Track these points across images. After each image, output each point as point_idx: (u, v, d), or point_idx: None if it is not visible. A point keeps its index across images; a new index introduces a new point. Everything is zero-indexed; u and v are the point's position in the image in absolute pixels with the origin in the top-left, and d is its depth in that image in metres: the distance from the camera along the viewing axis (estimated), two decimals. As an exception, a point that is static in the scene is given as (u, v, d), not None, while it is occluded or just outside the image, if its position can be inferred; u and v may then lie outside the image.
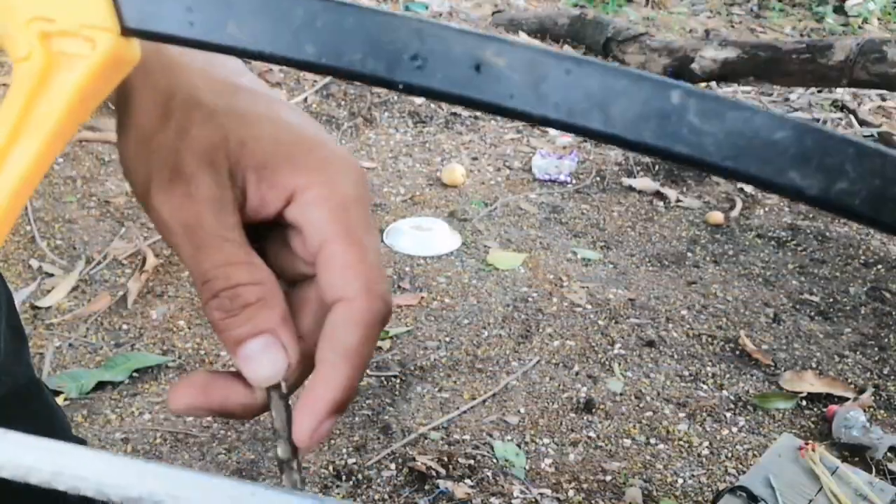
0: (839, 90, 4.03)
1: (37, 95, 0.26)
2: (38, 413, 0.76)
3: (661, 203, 2.77)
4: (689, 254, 2.45)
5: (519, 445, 1.60)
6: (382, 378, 1.77)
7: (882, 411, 1.79)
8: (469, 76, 0.23)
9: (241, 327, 0.31)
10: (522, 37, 4.38)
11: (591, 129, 0.22)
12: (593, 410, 1.71)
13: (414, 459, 1.51)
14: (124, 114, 0.33)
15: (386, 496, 1.45)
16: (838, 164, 0.21)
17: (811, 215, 2.79)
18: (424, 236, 2.33)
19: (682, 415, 1.73)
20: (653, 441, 1.65)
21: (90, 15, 0.25)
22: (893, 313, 2.19)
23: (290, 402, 0.33)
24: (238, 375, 0.33)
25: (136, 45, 0.26)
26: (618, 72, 0.22)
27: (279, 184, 0.32)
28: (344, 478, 1.48)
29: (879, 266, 2.45)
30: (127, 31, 0.25)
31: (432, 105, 3.37)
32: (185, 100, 0.32)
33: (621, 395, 1.78)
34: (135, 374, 1.71)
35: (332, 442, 1.57)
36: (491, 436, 1.61)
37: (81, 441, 0.98)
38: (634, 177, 2.94)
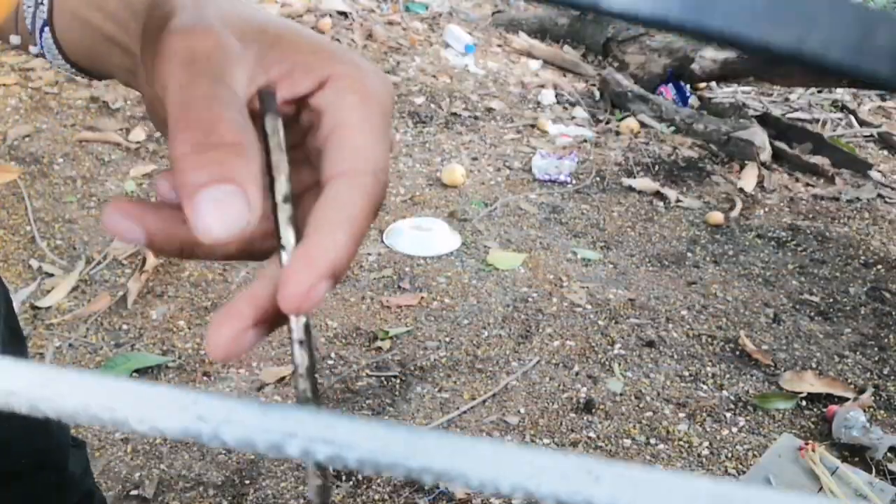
0: (839, 90, 4.03)
1: None
2: (32, 416, 0.76)
3: (661, 203, 2.77)
4: (689, 254, 2.45)
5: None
6: (382, 378, 1.77)
7: (882, 411, 1.79)
8: None
9: (205, 167, 0.26)
10: (523, 37, 4.38)
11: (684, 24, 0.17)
12: (593, 410, 1.71)
13: (414, 459, 1.51)
14: (160, 27, 0.31)
15: (386, 496, 1.45)
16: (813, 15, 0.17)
17: (811, 215, 2.79)
18: (424, 236, 2.33)
19: (682, 415, 1.73)
20: (653, 441, 1.65)
21: None
22: (893, 313, 2.19)
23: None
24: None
25: None
26: None
27: (314, 69, 0.32)
28: (344, 477, 1.48)
29: (879, 266, 2.45)
30: None
31: (432, 105, 3.37)
32: (226, 5, 0.32)
33: (621, 395, 1.78)
34: (135, 374, 1.71)
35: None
36: (491, 436, 1.61)
37: (81, 442, 0.98)
38: (634, 177, 2.94)
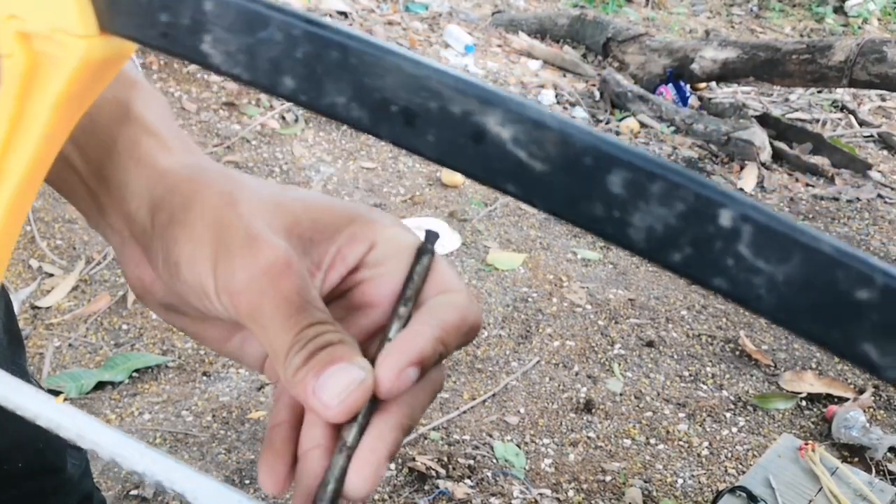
0: (839, 90, 4.03)
1: (25, 95, 0.26)
2: None
3: (661, 203, 2.77)
4: (689, 254, 2.45)
5: (519, 445, 1.60)
6: (382, 378, 1.77)
7: (881, 412, 1.79)
8: (466, 145, 0.19)
9: (320, 362, 0.31)
10: (522, 37, 4.38)
11: (604, 234, 0.19)
12: (593, 410, 1.71)
13: (414, 459, 1.51)
14: (184, 212, 0.34)
15: (386, 496, 1.45)
16: None
17: (811, 216, 2.79)
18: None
19: (681, 415, 1.73)
20: (653, 441, 1.65)
21: (62, 20, 0.24)
22: (893, 313, 2.19)
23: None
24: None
25: (125, 45, 0.25)
26: (654, 168, 0.18)
27: (358, 237, 0.35)
28: (344, 478, 1.48)
29: (879, 266, 2.45)
30: (106, 31, 0.24)
31: (432, 105, 3.37)
32: (250, 195, 0.35)
33: (621, 395, 1.78)
34: (135, 374, 1.71)
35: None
36: (491, 436, 1.61)
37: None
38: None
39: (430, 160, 0.20)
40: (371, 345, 0.35)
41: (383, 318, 0.36)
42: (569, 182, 0.18)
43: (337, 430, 0.33)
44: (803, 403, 1.79)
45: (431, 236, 0.35)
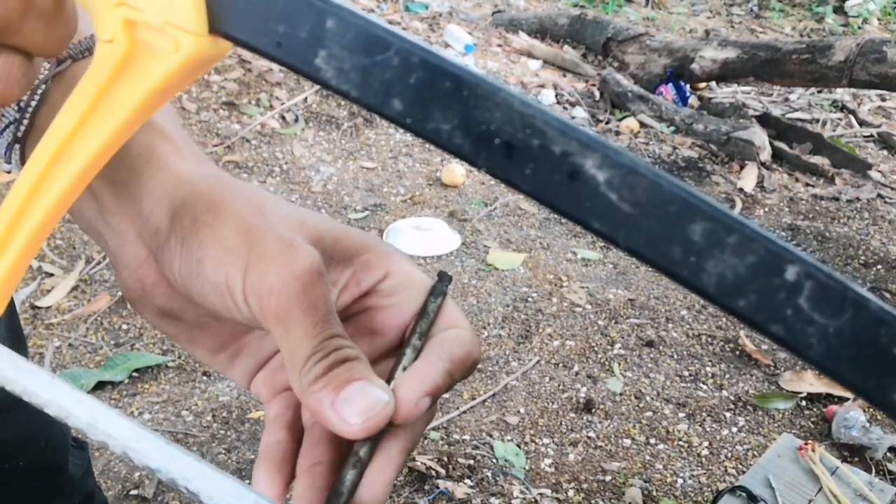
0: (839, 90, 4.03)
1: (115, 81, 0.26)
2: (31, 416, 0.76)
3: (661, 203, 2.77)
4: (689, 254, 2.45)
5: (519, 445, 1.60)
6: (382, 378, 1.77)
7: (881, 412, 1.79)
8: (560, 182, 0.21)
9: (341, 376, 0.32)
10: (522, 37, 4.38)
11: (677, 276, 0.20)
12: (593, 410, 1.71)
13: (413, 459, 1.51)
14: (211, 215, 0.35)
15: (386, 496, 1.45)
16: None
17: (811, 216, 2.79)
18: (424, 236, 2.33)
19: (681, 415, 1.73)
20: (652, 441, 1.65)
21: (176, 14, 0.24)
22: (893, 313, 2.19)
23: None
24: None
25: (224, 44, 0.25)
26: (732, 221, 0.20)
27: (374, 266, 0.37)
28: (344, 478, 1.48)
29: (879, 266, 2.45)
30: (215, 32, 0.24)
31: (432, 105, 3.37)
32: (275, 207, 0.36)
33: (621, 395, 1.78)
34: (134, 374, 1.71)
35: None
36: (491, 436, 1.61)
37: (82, 442, 0.98)
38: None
39: (521, 192, 0.21)
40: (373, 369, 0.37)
41: (386, 346, 0.37)
42: (653, 226, 0.20)
43: (341, 449, 0.35)
44: (803, 403, 1.79)
45: (445, 277, 0.38)
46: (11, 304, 0.74)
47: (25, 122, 0.41)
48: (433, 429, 1.62)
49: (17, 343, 0.75)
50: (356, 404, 0.31)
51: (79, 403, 0.31)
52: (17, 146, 0.41)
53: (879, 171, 3.23)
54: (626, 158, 0.20)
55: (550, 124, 0.21)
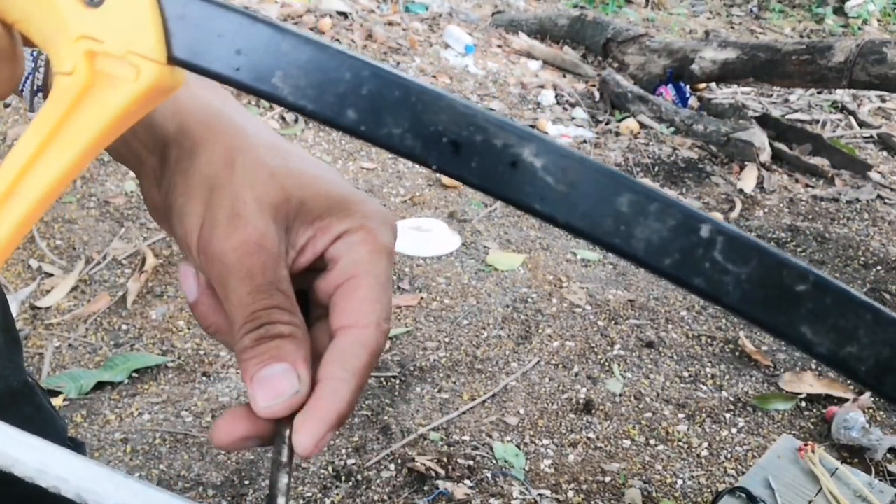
0: (839, 91, 4.03)
1: (75, 111, 0.26)
2: (30, 417, 0.75)
3: (661, 204, 2.77)
4: (689, 255, 2.45)
5: (518, 446, 1.60)
6: (382, 379, 1.77)
7: (881, 413, 1.79)
8: (504, 172, 0.23)
9: (266, 353, 0.33)
10: (522, 37, 4.38)
11: (611, 245, 0.22)
12: (593, 411, 1.71)
13: (413, 460, 1.51)
14: (188, 161, 0.37)
15: (385, 497, 1.45)
16: (852, 329, 0.21)
17: (811, 216, 2.79)
18: (424, 237, 2.33)
19: (681, 416, 1.73)
20: (652, 442, 1.65)
21: (138, 43, 0.25)
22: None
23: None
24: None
25: (181, 74, 0.26)
26: (650, 191, 0.22)
27: (331, 228, 0.37)
28: (343, 478, 1.48)
29: (879, 267, 2.45)
30: (174, 61, 0.25)
31: (432, 106, 3.37)
32: (250, 159, 0.37)
33: (621, 395, 1.78)
34: (134, 375, 1.71)
35: (332, 442, 1.57)
36: (490, 437, 1.61)
37: (79, 443, 0.98)
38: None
39: (470, 185, 0.24)
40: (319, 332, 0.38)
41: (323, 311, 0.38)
42: (586, 202, 0.22)
43: None
44: (803, 404, 1.79)
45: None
46: (5, 305, 0.74)
47: (41, 70, 0.42)
48: (433, 430, 1.62)
49: (13, 343, 0.75)
50: (268, 387, 0.33)
51: (25, 447, 0.30)
52: (39, 94, 0.43)
53: (879, 172, 3.23)
54: (557, 144, 0.23)
55: (490, 121, 0.23)
